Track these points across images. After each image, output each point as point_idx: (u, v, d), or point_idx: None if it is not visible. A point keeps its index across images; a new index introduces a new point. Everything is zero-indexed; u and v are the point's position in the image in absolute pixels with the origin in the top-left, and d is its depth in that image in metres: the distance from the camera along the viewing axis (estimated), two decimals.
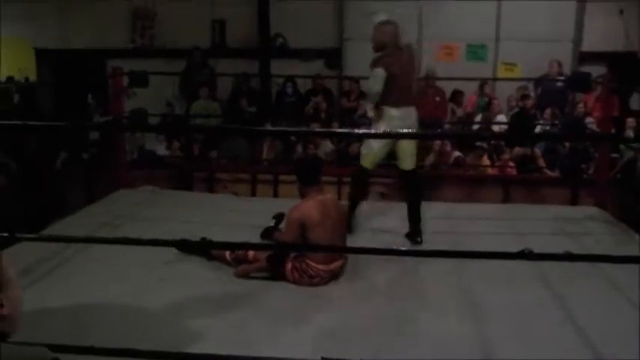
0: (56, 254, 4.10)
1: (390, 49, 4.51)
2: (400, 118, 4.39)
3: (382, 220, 5.06)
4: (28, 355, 1.62)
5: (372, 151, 4.62)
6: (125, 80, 6.19)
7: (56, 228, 4.68)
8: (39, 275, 3.81)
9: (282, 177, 6.86)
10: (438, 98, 8.93)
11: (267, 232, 4.31)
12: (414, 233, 4.55)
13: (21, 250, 3.85)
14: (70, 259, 4.10)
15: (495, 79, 9.06)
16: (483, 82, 8.72)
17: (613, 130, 6.31)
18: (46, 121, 7.83)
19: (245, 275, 3.86)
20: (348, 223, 4.42)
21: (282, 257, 3.78)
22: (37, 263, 3.92)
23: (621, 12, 9.09)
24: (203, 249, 4.07)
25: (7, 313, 1.66)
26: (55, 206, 6.43)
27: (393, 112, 4.42)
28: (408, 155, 4.62)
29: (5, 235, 2.59)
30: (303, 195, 3.96)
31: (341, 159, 7.70)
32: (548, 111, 7.96)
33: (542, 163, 7.46)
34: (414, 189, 4.66)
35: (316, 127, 8.15)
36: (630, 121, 6.91)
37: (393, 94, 4.41)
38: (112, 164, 6.27)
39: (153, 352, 2.69)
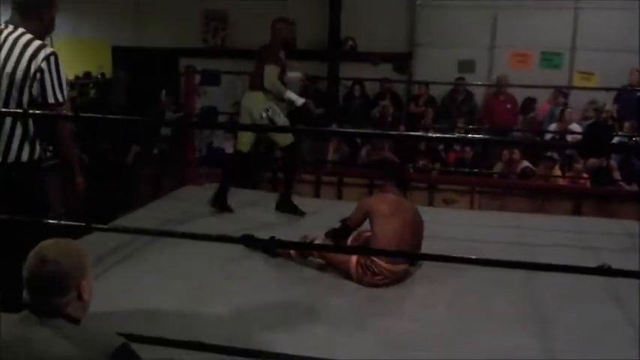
0: (124, 246, 4.20)
1: None
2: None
3: (446, 227, 4.97)
4: (101, 339, 1.66)
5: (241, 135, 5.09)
6: (197, 79, 6.31)
7: (124, 221, 4.80)
8: (108, 265, 3.91)
9: (347, 179, 6.84)
10: (508, 105, 8.77)
11: (332, 233, 4.29)
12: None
13: (91, 240, 3.97)
14: (138, 251, 4.19)
15: (571, 88, 8.80)
16: (557, 90, 8.49)
17: None
18: (119, 116, 8.07)
19: (305, 255, 3.97)
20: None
21: (343, 235, 3.92)
22: (106, 254, 4.03)
23: None
24: (270, 247, 4.10)
25: (87, 299, 1.72)
26: (125, 200, 6.61)
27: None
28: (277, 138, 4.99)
29: (82, 224, 2.67)
30: (383, 191, 4.04)
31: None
32: (627, 123, 7.67)
33: (617, 175, 7.17)
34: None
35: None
36: None
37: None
38: (181, 160, 6.39)
39: (219, 347, 2.71)
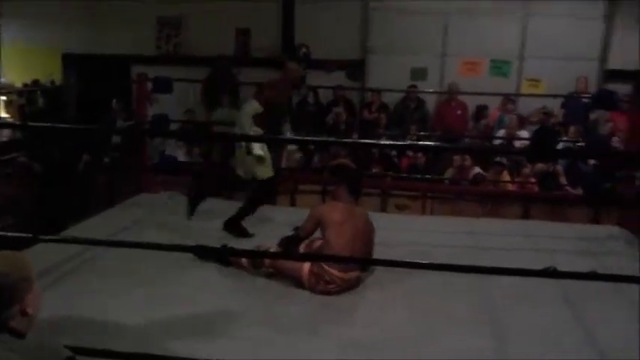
0: (75, 256, 4.12)
1: None
2: None
3: (400, 234, 5.03)
4: (46, 353, 1.63)
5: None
6: (149, 86, 6.24)
7: (76, 230, 4.71)
8: (58, 276, 3.83)
9: (301, 187, 6.85)
10: (459, 112, 8.94)
11: (285, 241, 4.29)
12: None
13: (41, 250, 3.88)
14: (89, 261, 4.11)
15: (519, 95, 9.04)
16: (506, 97, 8.69)
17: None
18: (69, 124, 7.92)
19: (257, 265, 3.94)
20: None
21: (294, 244, 3.90)
22: (56, 265, 3.94)
23: None
24: (221, 256, 4.09)
25: (32, 313, 1.68)
26: (76, 209, 6.47)
27: None
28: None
29: (28, 235, 2.62)
30: (335, 199, 4.04)
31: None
32: (572, 128, 7.90)
33: (564, 180, 7.38)
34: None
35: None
36: None
37: None
38: (134, 169, 6.31)
39: (168, 358, 2.68)
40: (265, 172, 4.84)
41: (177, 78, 6.30)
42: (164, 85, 5.96)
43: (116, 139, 8.27)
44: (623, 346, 3.18)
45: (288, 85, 5.12)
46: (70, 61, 10.56)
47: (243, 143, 4.79)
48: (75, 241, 4.02)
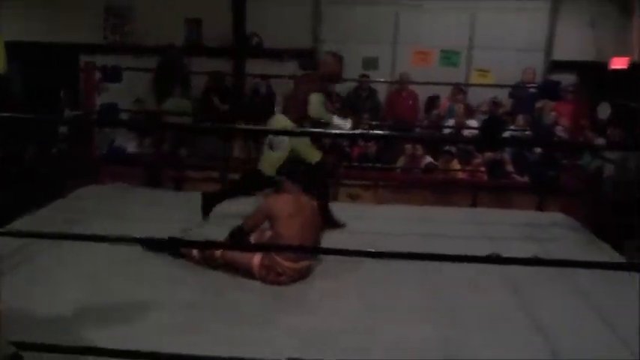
0: (21, 250, 4.03)
1: None
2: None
3: (352, 223, 5.08)
4: None
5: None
6: (98, 75, 6.12)
7: (23, 223, 4.60)
8: (4, 270, 3.74)
9: None
10: (410, 102, 9.04)
11: (235, 232, 4.28)
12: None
13: None
14: (35, 255, 4.03)
15: (468, 85, 9.19)
16: (456, 87, 8.83)
17: (581, 139, 6.42)
18: (14, 113, 7.69)
19: (208, 258, 3.91)
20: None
21: (240, 237, 3.88)
22: (3, 258, 3.85)
23: (591, 23, 9.27)
24: (171, 248, 4.06)
25: None
26: (23, 201, 6.32)
27: None
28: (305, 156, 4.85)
29: None
30: (279, 191, 4.06)
31: None
32: (520, 117, 8.08)
33: (510, 168, 7.56)
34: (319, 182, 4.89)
35: None
36: (610, 130, 6.98)
37: None
38: (82, 159, 6.20)
39: (115, 351, 2.66)
40: (315, 155, 4.88)
41: (126, 67, 6.20)
42: (113, 74, 5.85)
43: (64, 129, 8.09)
44: (567, 329, 3.30)
45: (322, 79, 4.99)
46: (14, 49, 10.23)
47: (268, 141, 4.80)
48: (19, 234, 3.95)
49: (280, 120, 4.81)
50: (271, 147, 4.77)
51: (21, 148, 7.71)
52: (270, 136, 4.78)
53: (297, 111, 4.75)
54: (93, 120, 6.07)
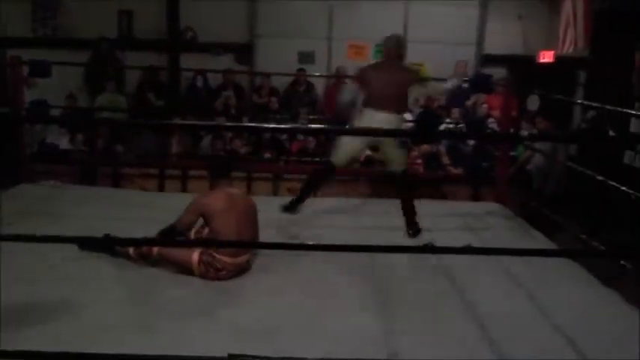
0: None
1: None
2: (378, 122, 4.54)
3: (292, 216, 5.09)
4: None
5: (341, 148, 4.84)
6: (25, 70, 5.93)
7: None
8: None
9: (192, 172, 6.77)
10: None
11: (166, 231, 4.19)
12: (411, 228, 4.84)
13: None
14: None
15: None
16: None
17: (511, 130, 6.63)
18: None
19: (145, 256, 3.86)
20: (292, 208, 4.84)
21: (171, 236, 3.82)
22: None
23: (520, 17, 9.58)
24: (107, 246, 3.99)
25: None
26: None
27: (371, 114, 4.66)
28: (392, 159, 4.86)
29: None
30: (212, 187, 4.02)
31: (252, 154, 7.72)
32: (455, 111, 8.27)
33: (446, 160, 7.73)
34: (403, 189, 4.94)
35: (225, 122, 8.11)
36: (539, 121, 7.22)
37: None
38: (11, 158, 5.99)
39: (54, 354, 2.60)
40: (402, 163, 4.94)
41: (56, 61, 6.01)
42: (42, 69, 5.65)
43: None
44: (502, 316, 3.41)
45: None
46: None
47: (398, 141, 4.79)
48: None
49: (384, 117, 4.62)
50: (401, 145, 4.83)
51: None
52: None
53: (400, 104, 4.76)
54: (22, 116, 5.87)
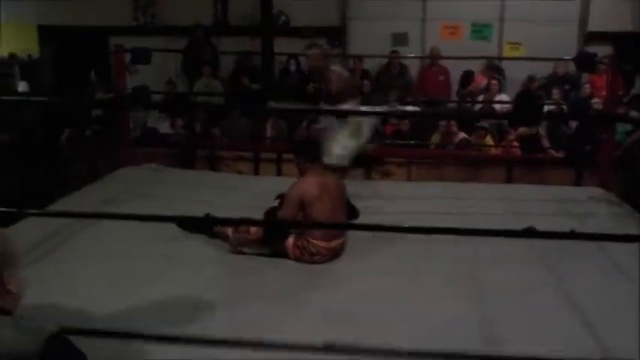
0: (60, 231, 4.10)
1: None
2: None
3: (386, 200, 5.06)
4: (33, 327, 1.63)
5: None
6: (127, 57, 6.15)
7: (60, 205, 4.67)
8: (43, 252, 3.81)
9: (286, 155, 6.84)
10: (441, 77, 8.91)
11: (271, 213, 4.30)
12: None
13: (26, 226, 3.87)
14: (74, 235, 4.10)
15: (500, 58, 9.03)
16: (488, 61, 8.68)
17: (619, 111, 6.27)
18: (47, 97, 7.82)
19: (241, 244, 3.89)
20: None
21: (282, 233, 3.82)
22: (41, 240, 3.92)
23: None
24: (206, 226, 4.08)
25: (15, 292, 1.68)
26: (59, 184, 6.43)
27: None
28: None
29: (13, 210, 2.59)
30: (302, 173, 4.00)
31: None
32: (555, 91, 7.92)
33: (546, 143, 7.42)
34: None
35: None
36: None
37: None
38: (116, 142, 6.26)
39: (155, 335, 2.69)
40: None
41: (155, 49, 6.21)
42: (142, 56, 5.85)
43: (97, 112, 8.17)
44: (603, 306, 3.24)
45: None
46: (46, 33, 10.38)
47: None
48: (58, 214, 4.02)
49: None
50: None
51: (57, 131, 7.83)
52: None
53: None
54: (126, 102, 6.11)
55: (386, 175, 6.65)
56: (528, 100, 7.77)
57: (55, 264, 3.67)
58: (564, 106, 7.60)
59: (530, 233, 2.53)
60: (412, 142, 7.60)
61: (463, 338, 2.91)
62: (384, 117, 7.85)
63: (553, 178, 6.38)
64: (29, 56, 10.47)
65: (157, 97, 7.99)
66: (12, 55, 10.31)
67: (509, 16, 9.25)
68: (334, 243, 3.81)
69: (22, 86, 9.39)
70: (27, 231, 3.80)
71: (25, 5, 10.07)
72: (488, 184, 5.97)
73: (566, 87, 8.25)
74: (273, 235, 3.83)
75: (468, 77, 8.79)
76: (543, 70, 8.72)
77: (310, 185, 3.83)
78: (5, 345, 1.58)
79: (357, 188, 4.91)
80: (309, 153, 4.04)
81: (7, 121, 7.28)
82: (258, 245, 3.88)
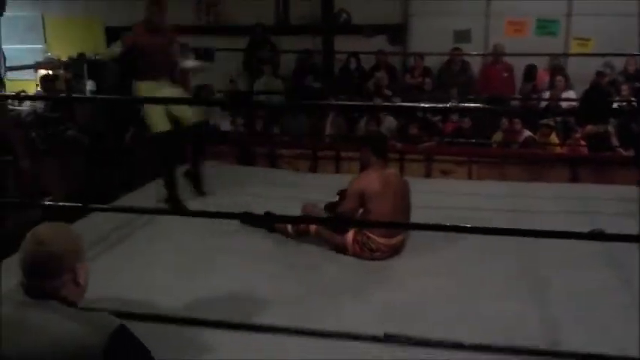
0: (124, 226, 4.22)
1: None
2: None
3: (443, 197, 4.99)
4: (99, 320, 1.66)
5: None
6: (191, 56, 6.26)
7: (124, 201, 4.82)
8: (107, 246, 3.93)
9: (344, 153, 6.83)
10: (505, 74, 8.72)
11: (330, 207, 4.30)
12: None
13: (92, 221, 4.00)
14: (138, 230, 4.22)
15: (566, 55, 8.76)
16: (554, 57, 8.44)
17: None
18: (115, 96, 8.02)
19: (300, 237, 3.91)
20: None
21: (342, 227, 3.82)
22: (104, 235, 4.05)
23: None
24: (266, 222, 4.12)
25: (83, 284, 1.73)
26: (123, 181, 6.60)
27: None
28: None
29: (79, 205, 2.68)
30: (366, 167, 3.97)
31: (402, 135, 7.61)
32: (625, 87, 7.63)
33: (615, 141, 7.16)
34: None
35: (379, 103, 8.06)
36: None
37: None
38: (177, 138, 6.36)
39: (216, 322, 2.74)
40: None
41: (218, 48, 6.31)
42: (206, 55, 5.98)
43: None
44: None
45: None
46: (113, 33, 10.68)
47: None
48: (122, 210, 4.14)
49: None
50: None
51: (122, 130, 8.03)
52: None
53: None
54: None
55: (446, 173, 6.55)
56: (598, 96, 7.50)
57: (118, 257, 3.78)
58: (634, 103, 7.34)
59: (597, 236, 2.44)
60: (473, 140, 7.46)
61: (526, 338, 2.84)
62: (444, 114, 7.76)
63: (622, 178, 6.14)
64: (95, 55, 10.79)
65: (218, 96, 8.16)
66: (81, 55, 10.64)
67: (577, 10, 8.95)
68: (395, 240, 3.79)
69: (89, 85, 9.67)
70: (94, 226, 3.93)
71: (91, 5, 10.38)
72: (553, 184, 5.82)
73: (637, 84, 7.93)
74: (332, 229, 3.84)
75: (531, 71, 8.56)
76: (615, 65, 8.41)
77: (373, 180, 3.81)
78: (69, 338, 1.58)
79: (416, 185, 4.86)
80: (378, 146, 4.00)
81: (81, 121, 7.50)
82: (318, 239, 3.91)
